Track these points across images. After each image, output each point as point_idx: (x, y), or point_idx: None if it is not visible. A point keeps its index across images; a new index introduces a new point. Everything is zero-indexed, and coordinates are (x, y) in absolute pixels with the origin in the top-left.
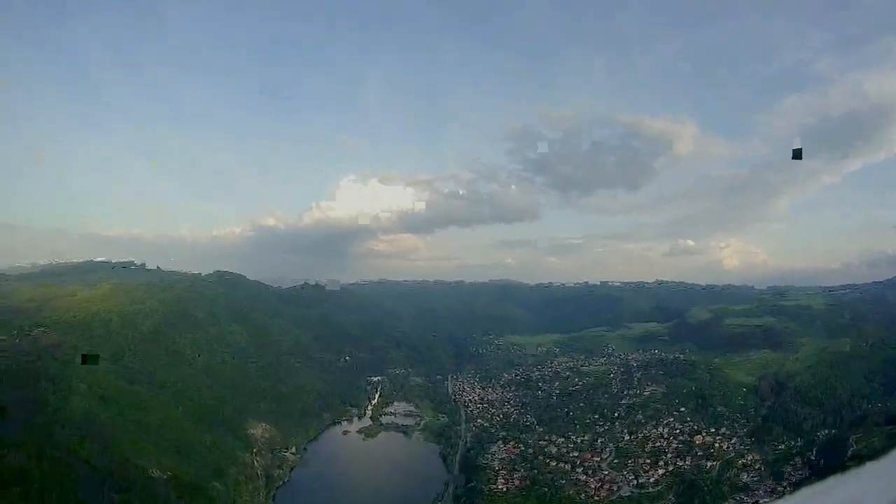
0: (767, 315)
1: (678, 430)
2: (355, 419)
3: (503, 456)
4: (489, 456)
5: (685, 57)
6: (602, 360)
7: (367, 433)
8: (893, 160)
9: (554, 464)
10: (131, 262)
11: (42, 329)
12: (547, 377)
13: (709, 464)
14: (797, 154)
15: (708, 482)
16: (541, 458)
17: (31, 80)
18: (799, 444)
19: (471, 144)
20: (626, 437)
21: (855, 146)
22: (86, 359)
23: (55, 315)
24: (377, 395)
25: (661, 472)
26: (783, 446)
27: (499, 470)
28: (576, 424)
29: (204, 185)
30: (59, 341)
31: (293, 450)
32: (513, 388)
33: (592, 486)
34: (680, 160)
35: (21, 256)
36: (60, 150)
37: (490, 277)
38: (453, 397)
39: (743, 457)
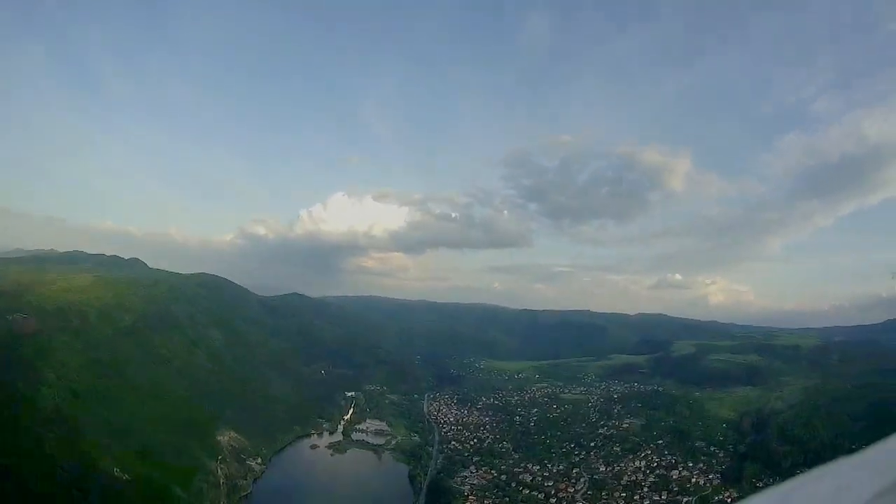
0: (753, 353)
1: (655, 464)
2: (326, 434)
3: (475, 481)
4: (460, 480)
5: (684, 92)
6: (582, 388)
7: (335, 448)
8: (887, 204)
9: (527, 492)
10: (117, 257)
11: (21, 315)
12: (525, 403)
13: (685, 499)
14: None
15: None
16: (514, 485)
17: (38, 78)
18: (778, 482)
19: (466, 167)
20: (602, 469)
21: (850, 189)
22: None
23: (35, 301)
24: (351, 411)
25: None
26: (761, 484)
27: (468, 495)
28: (552, 453)
29: (198, 188)
30: (36, 329)
31: (259, 460)
32: (490, 413)
33: None
34: (673, 195)
35: (12, 241)
36: (63, 145)
37: (476, 300)
38: (428, 418)
39: (719, 493)
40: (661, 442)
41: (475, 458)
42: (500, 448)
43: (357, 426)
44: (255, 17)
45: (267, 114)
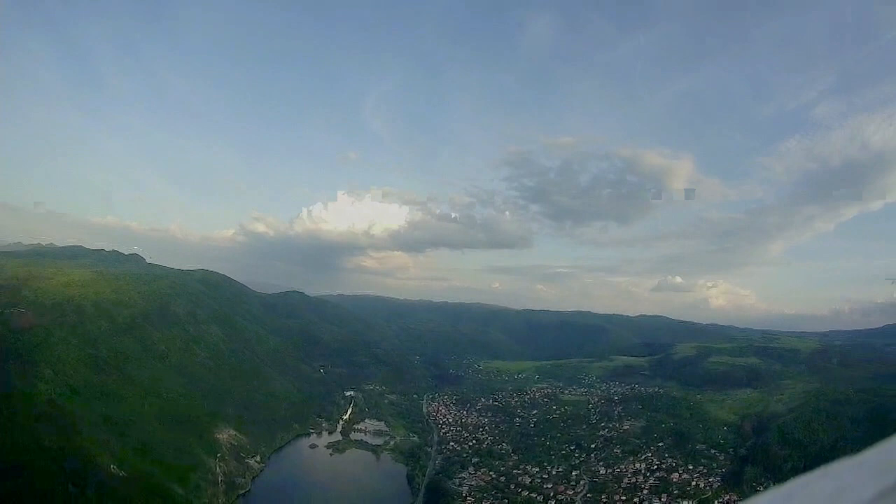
0: (753, 355)
1: (655, 466)
2: (325, 433)
3: (473, 482)
4: (458, 481)
5: (686, 96)
6: (582, 390)
7: (334, 448)
8: (888, 209)
9: (526, 493)
10: (117, 252)
11: (19, 309)
12: (525, 404)
13: (685, 502)
14: None
15: None
16: (513, 486)
17: (39, 73)
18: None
19: (468, 167)
20: (602, 471)
21: (851, 194)
22: None
23: (31, 296)
24: (350, 410)
25: None
26: (762, 487)
27: (466, 496)
28: (551, 454)
29: (199, 185)
30: (33, 323)
31: (258, 458)
32: (490, 414)
33: None
34: (675, 198)
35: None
36: (67, 141)
37: (477, 300)
38: (428, 418)
39: (719, 496)
40: (661, 444)
41: (474, 460)
42: (500, 449)
43: (356, 426)
44: (256, 15)
45: (269, 111)
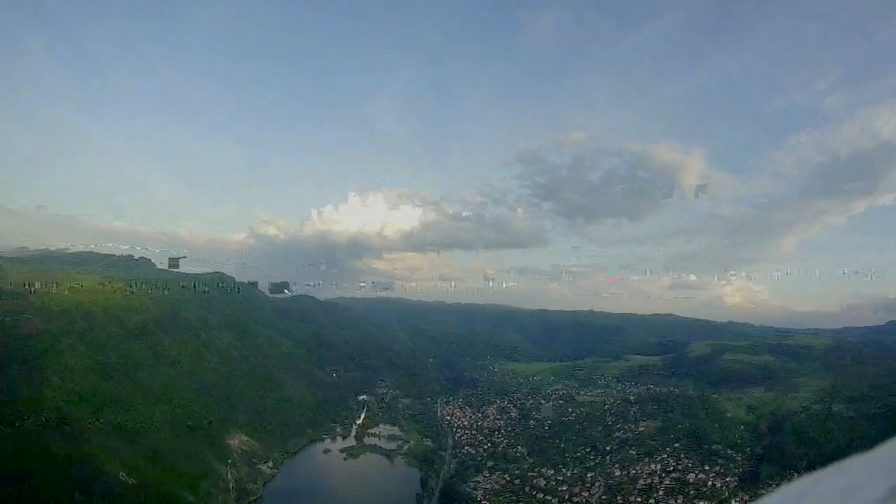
0: (767, 353)
1: (671, 468)
2: (339, 438)
3: (488, 486)
4: (473, 485)
5: (694, 90)
6: (598, 391)
7: (348, 453)
8: None
9: (541, 496)
10: (130, 257)
11: (26, 315)
12: (540, 406)
13: (700, 503)
14: None
15: None
16: (528, 489)
17: (45, 75)
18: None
19: (479, 166)
20: (618, 473)
21: (862, 188)
22: None
23: (39, 302)
24: (363, 415)
25: None
26: (777, 487)
27: (481, 500)
28: (566, 457)
29: (209, 187)
30: (40, 330)
31: (270, 463)
32: (504, 416)
33: None
34: (686, 194)
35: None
36: (70, 143)
37: (491, 301)
38: (442, 422)
39: (736, 496)
40: (677, 445)
41: (489, 463)
42: (515, 452)
43: (370, 430)
44: (265, 15)
45: (277, 111)
